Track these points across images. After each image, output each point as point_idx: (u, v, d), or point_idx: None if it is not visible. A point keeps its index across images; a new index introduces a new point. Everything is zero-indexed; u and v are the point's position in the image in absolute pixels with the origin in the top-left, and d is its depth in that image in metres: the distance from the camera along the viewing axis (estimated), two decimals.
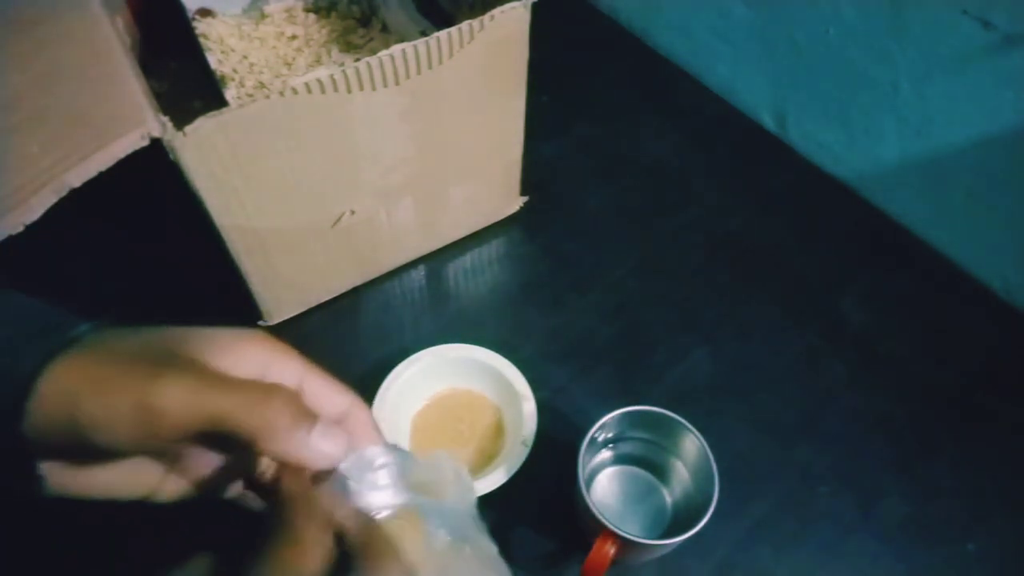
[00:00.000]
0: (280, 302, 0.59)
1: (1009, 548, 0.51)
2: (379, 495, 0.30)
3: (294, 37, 0.71)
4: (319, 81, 0.43)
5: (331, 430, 0.28)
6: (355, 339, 0.60)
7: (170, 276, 0.63)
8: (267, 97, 0.43)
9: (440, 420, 0.55)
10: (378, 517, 0.30)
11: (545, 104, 0.63)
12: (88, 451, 0.25)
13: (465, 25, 0.47)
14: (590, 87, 0.80)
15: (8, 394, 0.25)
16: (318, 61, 0.70)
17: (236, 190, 0.47)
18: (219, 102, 0.63)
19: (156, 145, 0.40)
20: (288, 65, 0.69)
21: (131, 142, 0.39)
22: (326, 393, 0.31)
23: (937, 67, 0.58)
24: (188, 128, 0.41)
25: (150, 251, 0.65)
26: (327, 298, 0.62)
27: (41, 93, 0.42)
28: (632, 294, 0.63)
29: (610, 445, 0.51)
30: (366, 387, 0.54)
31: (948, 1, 0.55)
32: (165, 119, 0.40)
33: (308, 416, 0.28)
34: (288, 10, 0.73)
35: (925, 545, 0.51)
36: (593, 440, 0.47)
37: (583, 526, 0.47)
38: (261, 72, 0.68)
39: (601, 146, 0.74)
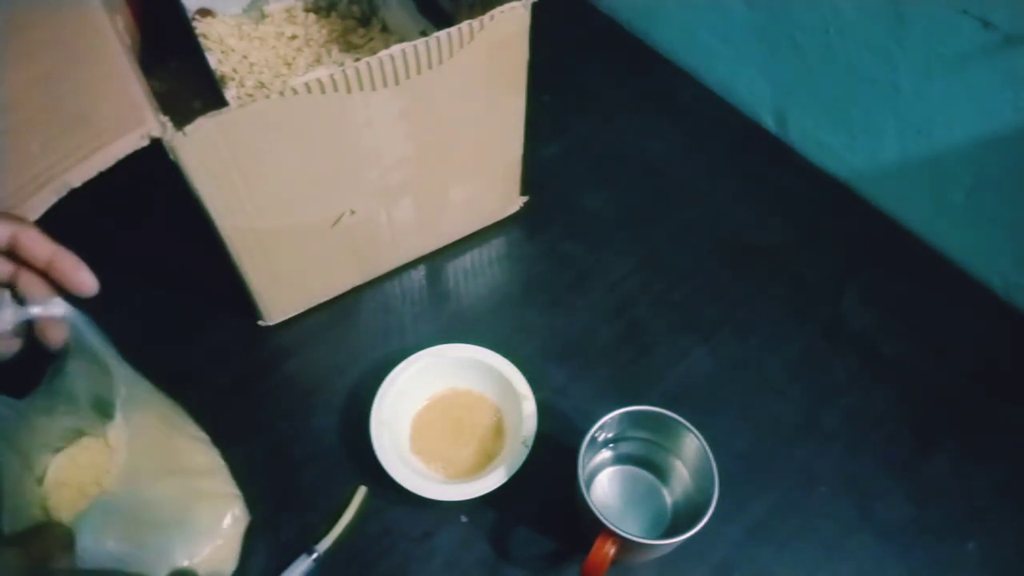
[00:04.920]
0: (280, 302, 0.59)
1: (1009, 548, 0.51)
2: None
3: (294, 37, 0.71)
4: (319, 81, 0.43)
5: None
6: (355, 339, 0.61)
7: (170, 276, 0.63)
8: (267, 97, 0.43)
9: (440, 420, 0.55)
10: None
11: (545, 104, 0.63)
12: None
13: (465, 25, 0.47)
14: (590, 87, 0.80)
15: None
16: (318, 61, 0.70)
17: (236, 190, 0.47)
18: (219, 102, 0.63)
19: (156, 145, 0.41)
20: (288, 65, 0.69)
21: (131, 142, 0.39)
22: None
23: (937, 67, 0.58)
24: (188, 128, 0.41)
25: (150, 251, 0.65)
26: (327, 298, 0.62)
27: (41, 93, 0.42)
28: (632, 294, 0.63)
29: (610, 445, 0.51)
30: (366, 387, 0.54)
31: (948, 1, 0.55)
32: (165, 119, 0.40)
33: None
34: (288, 10, 0.73)
35: (925, 545, 0.51)
36: (593, 440, 0.47)
37: (583, 526, 0.47)
38: (261, 72, 0.68)
39: (601, 146, 0.74)
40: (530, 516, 0.52)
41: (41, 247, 0.37)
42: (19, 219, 0.37)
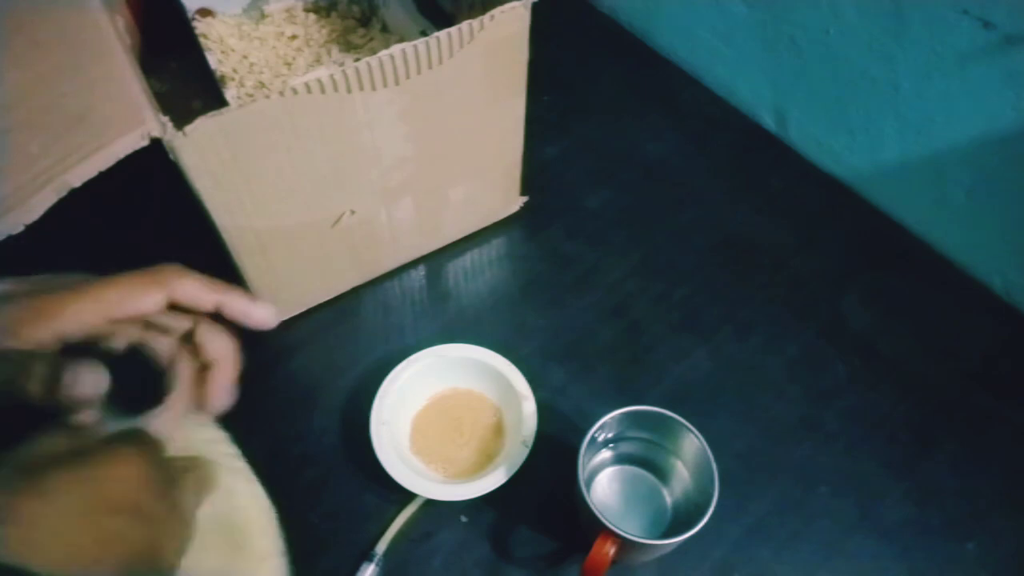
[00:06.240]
0: (280, 302, 0.59)
1: (1009, 548, 0.51)
2: None
3: (294, 37, 0.71)
4: (319, 81, 0.43)
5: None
6: (355, 339, 0.60)
7: None
8: (267, 97, 0.43)
9: (440, 420, 0.55)
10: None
11: (545, 104, 0.63)
12: None
13: (465, 25, 0.47)
14: (590, 87, 0.80)
15: None
16: (318, 61, 0.70)
17: (236, 190, 0.47)
18: (219, 102, 0.63)
19: (156, 145, 0.40)
20: (288, 65, 0.69)
21: (131, 142, 0.39)
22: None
23: (937, 67, 0.58)
24: (188, 128, 0.41)
25: (150, 251, 0.64)
26: (327, 298, 0.62)
27: (41, 93, 0.42)
28: (632, 294, 0.63)
29: (610, 445, 0.51)
30: (366, 387, 0.54)
31: (948, 1, 0.55)
32: (165, 119, 0.40)
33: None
34: (288, 10, 0.73)
35: (925, 545, 0.51)
36: (593, 440, 0.47)
37: (583, 526, 0.47)
38: (261, 72, 0.68)
39: (601, 146, 0.74)
40: (530, 516, 0.52)
41: (203, 296, 0.35)
42: (170, 273, 0.36)
